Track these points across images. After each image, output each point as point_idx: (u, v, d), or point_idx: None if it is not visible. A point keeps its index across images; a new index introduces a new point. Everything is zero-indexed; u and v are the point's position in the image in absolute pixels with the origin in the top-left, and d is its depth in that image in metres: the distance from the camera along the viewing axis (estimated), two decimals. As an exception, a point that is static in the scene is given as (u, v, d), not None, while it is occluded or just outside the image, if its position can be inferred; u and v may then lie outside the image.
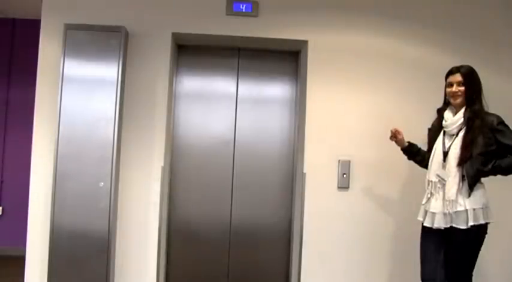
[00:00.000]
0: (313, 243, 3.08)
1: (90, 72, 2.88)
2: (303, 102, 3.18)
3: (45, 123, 2.98)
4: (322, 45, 3.15)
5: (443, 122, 2.48)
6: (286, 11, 3.14)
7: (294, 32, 3.15)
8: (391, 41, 3.18)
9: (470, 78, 2.42)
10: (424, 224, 2.48)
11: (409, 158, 2.72)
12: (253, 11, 3.11)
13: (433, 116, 2.59)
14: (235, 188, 3.34)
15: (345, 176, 3.10)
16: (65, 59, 2.86)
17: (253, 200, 3.34)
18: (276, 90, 3.44)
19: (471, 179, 2.33)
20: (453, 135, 2.42)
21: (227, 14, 3.12)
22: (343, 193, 3.11)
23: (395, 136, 2.65)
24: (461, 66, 2.45)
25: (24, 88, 3.64)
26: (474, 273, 2.39)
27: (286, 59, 3.41)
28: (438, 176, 2.41)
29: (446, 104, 2.52)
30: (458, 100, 2.42)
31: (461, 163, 2.34)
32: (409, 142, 2.68)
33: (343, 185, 3.10)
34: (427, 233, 2.48)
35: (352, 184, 3.11)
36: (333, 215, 3.10)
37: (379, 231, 3.11)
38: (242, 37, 3.14)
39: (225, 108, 3.37)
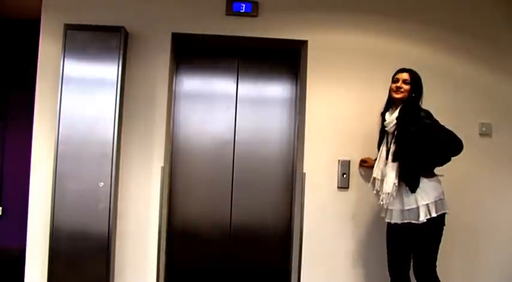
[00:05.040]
0: (313, 243, 3.08)
1: (90, 72, 2.88)
2: (303, 102, 3.18)
3: (45, 123, 2.98)
4: (322, 45, 3.15)
5: (384, 122, 2.65)
6: (286, 11, 3.14)
7: (294, 31, 3.15)
8: (391, 41, 3.17)
9: (416, 81, 2.58)
10: (386, 220, 2.65)
11: None
12: (253, 11, 3.11)
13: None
14: (235, 188, 3.34)
15: (345, 176, 3.10)
16: (65, 59, 2.85)
17: (253, 199, 3.34)
18: (276, 90, 3.44)
19: (406, 175, 2.46)
20: (393, 132, 2.58)
21: (227, 14, 3.12)
22: (343, 193, 3.11)
23: (365, 164, 3.00)
24: (411, 69, 2.61)
25: (24, 88, 3.63)
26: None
27: (286, 59, 3.41)
28: (382, 172, 2.60)
29: (388, 107, 2.68)
30: (400, 95, 2.56)
31: (395, 159, 2.49)
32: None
33: (343, 185, 3.11)
34: (390, 229, 2.67)
35: (352, 184, 3.11)
36: (333, 214, 3.10)
37: (379, 231, 3.10)
38: (242, 37, 3.14)
39: (225, 108, 3.37)
